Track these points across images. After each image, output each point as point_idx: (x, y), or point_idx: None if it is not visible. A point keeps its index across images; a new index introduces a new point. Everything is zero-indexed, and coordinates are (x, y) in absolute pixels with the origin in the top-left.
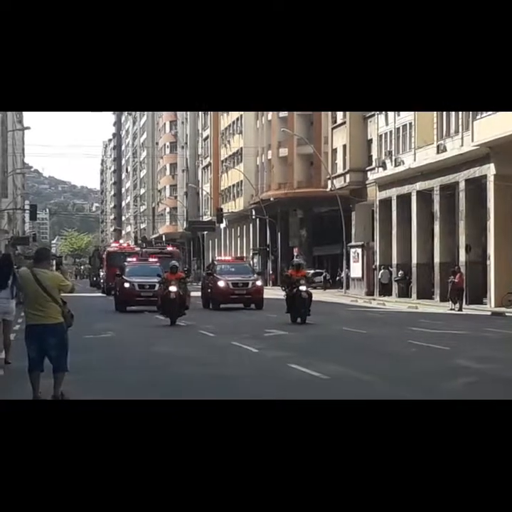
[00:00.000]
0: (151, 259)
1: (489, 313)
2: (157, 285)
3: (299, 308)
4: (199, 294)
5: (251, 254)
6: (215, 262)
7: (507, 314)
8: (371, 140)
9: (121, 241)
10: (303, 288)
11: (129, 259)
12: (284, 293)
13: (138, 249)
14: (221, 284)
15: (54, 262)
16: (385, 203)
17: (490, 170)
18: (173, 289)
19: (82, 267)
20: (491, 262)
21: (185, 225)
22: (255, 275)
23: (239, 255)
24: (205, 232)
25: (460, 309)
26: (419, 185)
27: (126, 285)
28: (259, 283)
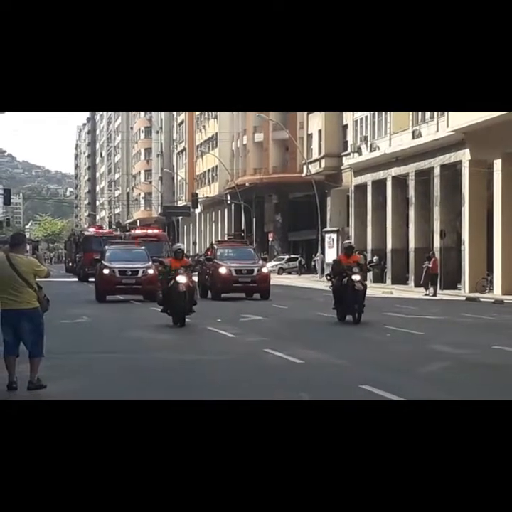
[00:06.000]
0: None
1: (463, 298)
2: (141, 271)
3: (351, 304)
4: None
5: (226, 239)
6: (215, 246)
7: (481, 299)
8: (346, 125)
9: (99, 224)
10: (356, 277)
11: (111, 242)
12: (330, 283)
13: (118, 233)
14: (223, 270)
15: (30, 247)
16: (361, 189)
17: (465, 155)
18: (181, 279)
19: (56, 252)
20: (466, 248)
21: (159, 210)
22: (260, 261)
23: (239, 236)
24: (180, 218)
25: (434, 294)
26: (395, 171)
27: (106, 271)
28: (265, 270)
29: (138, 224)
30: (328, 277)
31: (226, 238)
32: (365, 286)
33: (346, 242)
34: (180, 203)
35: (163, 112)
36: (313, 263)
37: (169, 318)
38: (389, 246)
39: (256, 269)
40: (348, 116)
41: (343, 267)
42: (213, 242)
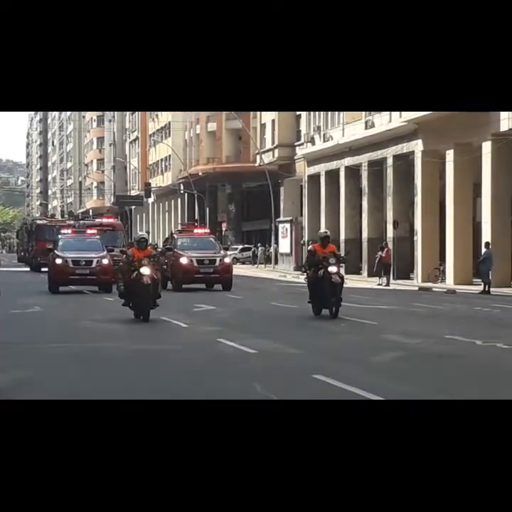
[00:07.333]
0: (89, 231)
1: (416, 288)
2: (95, 261)
3: (328, 297)
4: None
5: (179, 228)
6: (175, 236)
7: (434, 289)
8: (300, 115)
9: (52, 213)
10: (333, 269)
11: (63, 231)
12: (304, 276)
13: (71, 222)
14: (184, 261)
15: None
16: (314, 179)
17: (417, 146)
18: (145, 271)
19: (7, 241)
20: (418, 238)
21: (112, 200)
22: (222, 251)
23: (198, 225)
24: (133, 207)
25: (388, 284)
26: (348, 161)
27: (59, 261)
28: (227, 260)
29: (91, 213)
30: (303, 269)
31: (180, 228)
32: (342, 279)
33: (322, 231)
34: (133, 193)
35: None
36: (266, 253)
37: (125, 309)
38: (342, 236)
39: (218, 260)
40: None
41: (319, 258)
42: (173, 232)
